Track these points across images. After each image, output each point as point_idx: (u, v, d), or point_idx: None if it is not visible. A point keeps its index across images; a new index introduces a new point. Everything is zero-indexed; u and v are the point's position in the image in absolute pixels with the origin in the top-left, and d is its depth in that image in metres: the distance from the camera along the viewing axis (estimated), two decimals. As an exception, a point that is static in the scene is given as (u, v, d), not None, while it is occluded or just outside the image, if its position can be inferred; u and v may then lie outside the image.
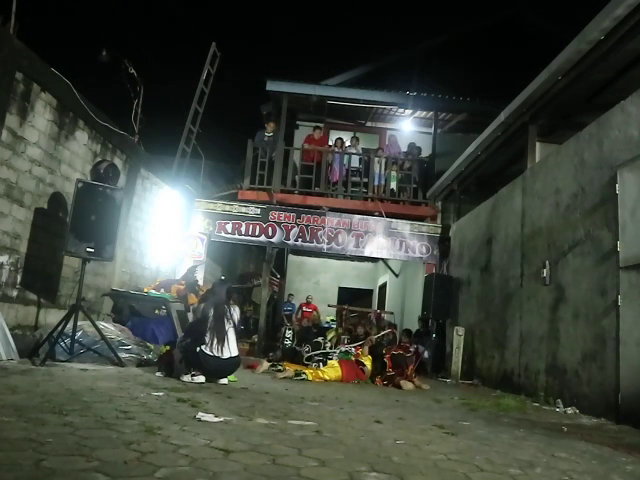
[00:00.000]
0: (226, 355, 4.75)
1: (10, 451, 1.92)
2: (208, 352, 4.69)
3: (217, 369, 4.76)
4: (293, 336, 10.03)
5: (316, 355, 6.83)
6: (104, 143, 7.11)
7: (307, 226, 10.31)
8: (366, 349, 6.98)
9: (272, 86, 11.16)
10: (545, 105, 6.53)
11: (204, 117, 9.94)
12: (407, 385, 6.10)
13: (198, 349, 4.70)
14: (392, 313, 12.76)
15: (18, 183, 5.49)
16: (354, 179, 11.22)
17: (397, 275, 14.62)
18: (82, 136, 6.62)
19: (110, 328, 5.73)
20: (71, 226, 5.23)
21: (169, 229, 9.38)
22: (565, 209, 5.58)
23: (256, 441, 2.41)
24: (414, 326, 10.75)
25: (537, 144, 6.99)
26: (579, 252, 5.20)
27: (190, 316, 7.12)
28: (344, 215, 10.46)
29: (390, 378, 6.39)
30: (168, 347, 5.21)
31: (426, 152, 11.60)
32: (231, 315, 4.96)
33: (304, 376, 6.03)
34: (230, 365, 4.85)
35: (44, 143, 5.87)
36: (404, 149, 11.78)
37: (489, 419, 3.95)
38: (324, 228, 10.30)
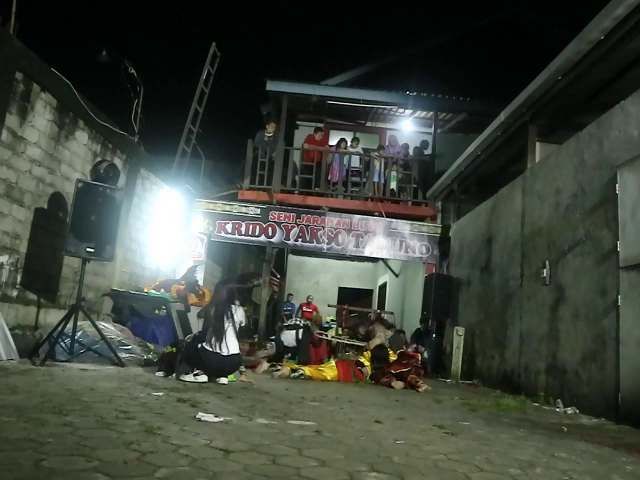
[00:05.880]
0: (225, 352, 4.81)
1: (10, 451, 1.92)
2: (208, 348, 4.77)
3: (217, 365, 4.80)
4: None
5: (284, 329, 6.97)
6: (104, 143, 7.11)
7: (307, 226, 10.31)
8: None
9: (272, 86, 11.18)
10: (545, 105, 6.53)
11: (204, 117, 9.95)
12: (398, 384, 6.08)
13: (199, 346, 4.78)
14: (392, 313, 12.77)
15: (18, 183, 5.50)
16: (354, 179, 11.23)
17: (397, 275, 14.62)
18: (82, 136, 6.62)
19: (110, 328, 5.73)
20: (71, 226, 5.22)
21: (169, 229, 9.38)
22: (565, 209, 5.58)
23: (256, 441, 2.41)
24: (414, 326, 10.75)
25: (537, 144, 6.99)
26: (579, 252, 5.20)
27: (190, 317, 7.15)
28: (344, 215, 10.47)
29: (374, 376, 6.39)
30: (174, 348, 5.20)
31: (426, 152, 11.62)
32: (232, 315, 5.00)
33: (301, 372, 6.07)
34: (230, 362, 4.88)
35: (44, 143, 5.87)
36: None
37: (489, 419, 3.95)
38: (324, 228, 10.30)
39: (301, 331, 7.13)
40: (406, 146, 11.74)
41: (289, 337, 7.26)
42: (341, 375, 6.30)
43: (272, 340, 7.66)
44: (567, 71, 5.76)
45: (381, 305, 15.59)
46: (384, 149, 11.70)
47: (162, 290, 7.52)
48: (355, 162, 11.38)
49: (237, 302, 5.26)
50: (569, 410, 4.78)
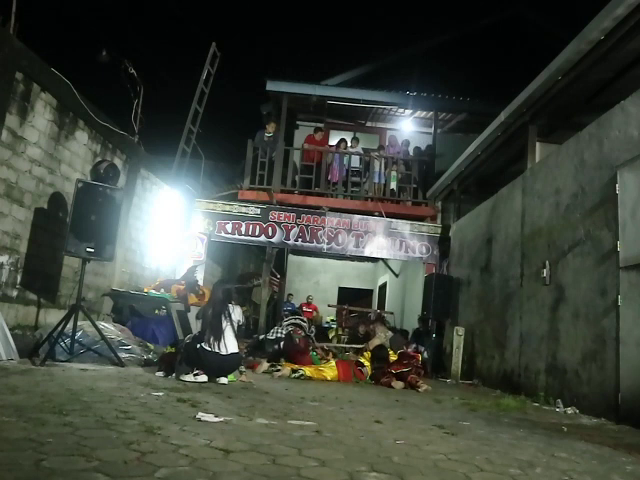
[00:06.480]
0: (224, 352, 4.81)
1: (10, 451, 1.92)
2: (207, 348, 4.77)
3: (217, 365, 4.80)
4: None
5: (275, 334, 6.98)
6: (104, 143, 7.11)
7: (307, 226, 10.31)
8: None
9: (272, 86, 11.18)
10: (545, 105, 6.52)
11: (204, 117, 9.95)
12: (398, 384, 6.09)
13: (198, 346, 4.79)
14: (392, 313, 12.77)
15: (18, 183, 5.50)
16: (354, 179, 11.23)
17: (397, 275, 14.62)
18: (82, 136, 6.62)
19: (110, 328, 5.73)
20: (71, 226, 5.22)
21: (169, 229, 9.37)
22: (565, 209, 5.58)
23: (256, 441, 2.41)
24: (414, 326, 10.75)
25: (537, 144, 6.99)
26: (579, 252, 5.20)
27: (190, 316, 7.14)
28: (344, 215, 10.46)
29: (374, 376, 6.40)
30: (174, 348, 5.20)
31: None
32: (229, 314, 5.00)
33: (301, 372, 6.07)
34: (230, 361, 4.88)
35: (44, 143, 5.87)
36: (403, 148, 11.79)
37: (489, 419, 3.95)
38: (324, 228, 10.30)
39: (282, 343, 7.05)
40: (407, 143, 11.74)
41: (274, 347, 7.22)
42: (341, 375, 6.30)
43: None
44: (567, 71, 5.76)
45: (381, 305, 15.58)
46: (384, 149, 11.70)
47: (162, 290, 7.52)
48: (355, 162, 11.38)
49: (233, 302, 5.25)
50: (569, 410, 4.78)
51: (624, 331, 4.26)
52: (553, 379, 5.43)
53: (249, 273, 15.01)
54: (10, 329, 4.91)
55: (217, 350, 4.78)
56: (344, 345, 8.57)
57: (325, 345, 8.23)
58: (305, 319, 8.14)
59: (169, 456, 2.04)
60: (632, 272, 4.25)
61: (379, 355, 6.67)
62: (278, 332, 7.27)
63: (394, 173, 11.11)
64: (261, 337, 7.85)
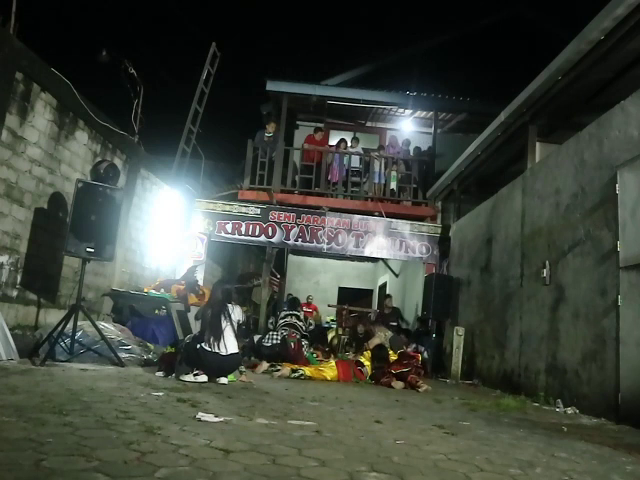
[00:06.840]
0: (224, 352, 4.81)
1: (10, 451, 1.92)
2: (207, 348, 4.77)
3: (217, 365, 4.80)
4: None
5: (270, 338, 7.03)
6: (104, 143, 7.11)
7: (307, 226, 10.31)
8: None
9: (272, 86, 11.18)
10: (545, 105, 6.53)
11: (204, 117, 9.95)
12: (398, 384, 6.08)
13: (198, 346, 4.79)
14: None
15: (18, 183, 5.50)
16: (354, 179, 11.23)
17: (397, 275, 14.62)
18: (82, 136, 6.62)
19: (110, 328, 5.73)
20: (71, 226, 5.22)
21: (169, 229, 9.37)
22: (565, 209, 5.58)
23: (256, 441, 2.41)
24: (413, 326, 10.75)
25: (537, 144, 6.99)
26: (579, 252, 5.20)
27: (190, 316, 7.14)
28: (344, 215, 10.47)
29: (374, 376, 6.39)
30: (174, 348, 5.20)
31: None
32: (229, 314, 5.00)
33: (301, 372, 6.07)
34: (230, 362, 4.88)
35: (44, 143, 5.87)
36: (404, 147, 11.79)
37: (489, 419, 3.95)
38: (324, 228, 10.30)
39: (278, 348, 7.03)
40: (407, 142, 11.74)
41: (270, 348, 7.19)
42: (341, 375, 6.30)
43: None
44: (567, 71, 5.76)
45: (381, 305, 15.57)
46: (384, 149, 11.70)
47: (162, 290, 7.52)
48: (355, 162, 11.38)
49: (233, 302, 5.24)
50: (569, 410, 4.78)
51: (624, 331, 4.26)
52: (553, 379, 5.43)
53: (249, 273, 15.00)
54: (10, 329, 4.91)
55: (217, 350, 4.78)
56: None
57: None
58: (301, 315, 8.11)
59: (169, 456, 2.04)
60: (632, 272, 4.25)
61: (379, 355, 6.66)
62: (273, 338, 7.24)
63: (394, 173, 11.11)
64: (256, 338, 7.80)
